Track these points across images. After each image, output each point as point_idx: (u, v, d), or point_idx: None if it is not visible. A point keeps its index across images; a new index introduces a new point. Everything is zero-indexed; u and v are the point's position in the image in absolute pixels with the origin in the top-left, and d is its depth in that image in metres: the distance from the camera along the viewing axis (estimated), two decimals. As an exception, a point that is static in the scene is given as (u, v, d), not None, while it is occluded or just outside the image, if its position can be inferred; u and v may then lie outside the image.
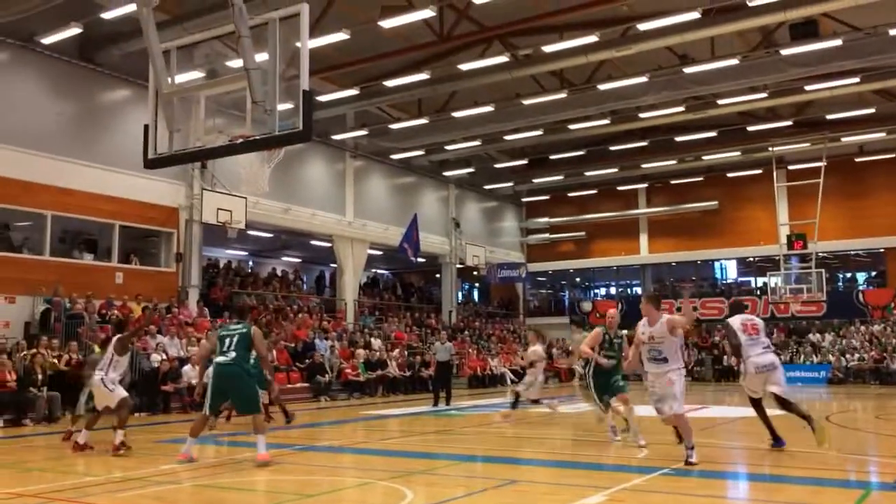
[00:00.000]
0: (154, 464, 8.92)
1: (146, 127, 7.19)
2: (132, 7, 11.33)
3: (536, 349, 14.36)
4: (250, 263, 32.94)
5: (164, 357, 16.79)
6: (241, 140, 6.57)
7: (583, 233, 37.89)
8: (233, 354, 8.67)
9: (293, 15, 6.33)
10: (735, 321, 9.58)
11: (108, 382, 9.74)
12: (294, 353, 21.55)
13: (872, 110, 26.39)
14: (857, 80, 22.29)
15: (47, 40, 18.10)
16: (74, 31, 17.53)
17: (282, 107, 6.57)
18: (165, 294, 20.74)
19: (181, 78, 7.51)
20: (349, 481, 8.13)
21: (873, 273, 34.92)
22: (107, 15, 16.97)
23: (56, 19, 17.47)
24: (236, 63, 6.84)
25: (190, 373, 16.59)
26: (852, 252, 33.78)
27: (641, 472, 7.98)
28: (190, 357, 17.57)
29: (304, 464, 8.82)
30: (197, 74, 7.93)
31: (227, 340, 8.78)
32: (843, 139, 29.27)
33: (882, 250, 32.62)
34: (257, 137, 6.48)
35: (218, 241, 25.86)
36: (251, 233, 24.86)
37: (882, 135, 28.94)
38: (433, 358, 20.16)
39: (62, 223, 19.49)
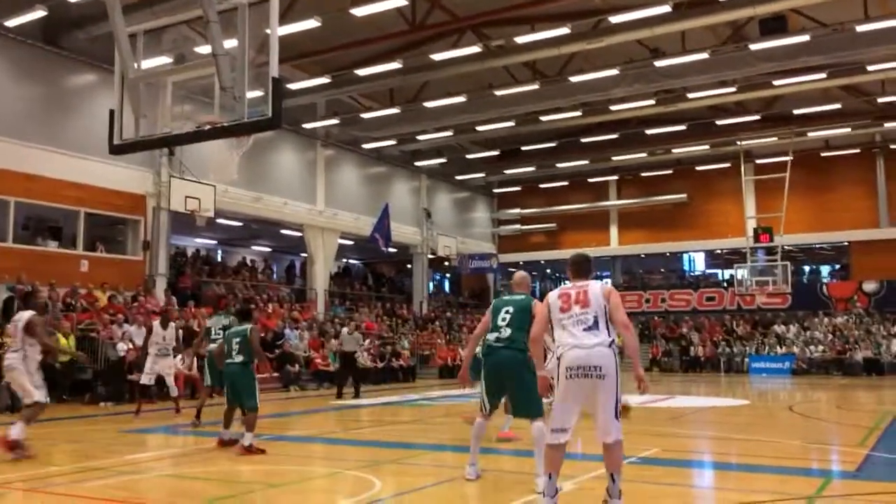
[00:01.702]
0: (119, 453, 8.81)
1: (111, 112, 7.05)
2: (98, -10, 11.11)
3: None
4: (219, 252, 32.64)
5: (130, 346, 16.57)
6: (208, 127, 6.48)
7: (554, 224, 38.08)
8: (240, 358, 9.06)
9: (263, 0, 6.25)
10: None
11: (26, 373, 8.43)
12: (263, 342, 21.37)
13: (838, 106, 26.82)
14: (823, 75, 22.62)
15: (11, 23, 17.69)
16: (39, 13, 17.12)
17: (251, 94, 6.49)
18: (132, 282, 20.46)
19: (148, 63, 7.37)
20: (318, 471, 8.11)
21: (837, 266, 35.58)
22: (72, -2, 16.64)
23: (20, 1, 17.05)
24: (205, 49, 6.72)
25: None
26: (817, 245, 34.39)
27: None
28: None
29: (273, 453, 8.77)
30: (164, 59, 7.79)
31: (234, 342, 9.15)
32: (810, 134, 29.73)
33: (846, 244, 33.24)
34: (226, 124, 6.38)
35: (186, 230, 25.57)
36: (220, 221, 24.62)
37: (847, 130, 29.45)
38: (339, 348, 19.40)
39: (26, 210, 19.11)
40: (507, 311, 6.82)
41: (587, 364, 5.15)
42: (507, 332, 6.71)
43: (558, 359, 5.26)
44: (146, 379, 13.38)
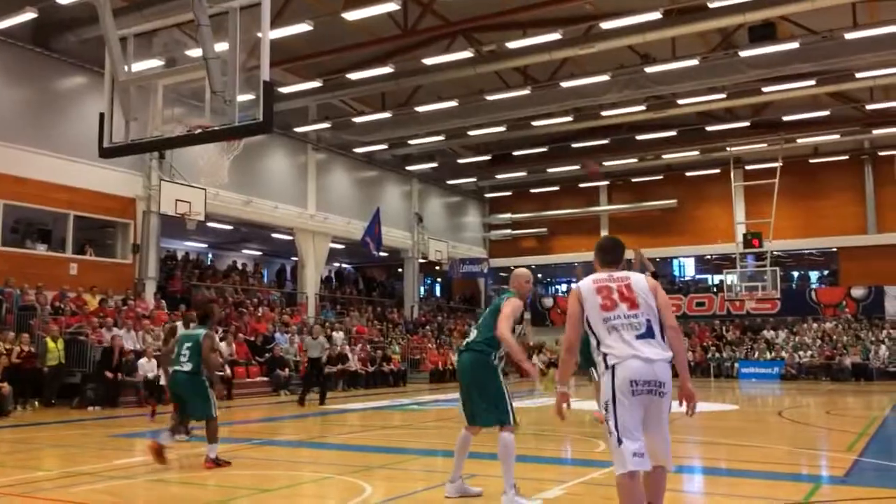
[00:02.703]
0: (108, 458, 8.76)
1: (101, 115, 7.03)
2: (89, -8, 11.09)
3: None
4: (210, 256, 32.53)
5: (108, 343, 16.51)
6: (199, 130, 6.46)
7: (545, 229, 38.14)
8: (188, 367, 8.26)
9: (254, 4, 6.24)
10: None
11: None
12: (254, 346, 21.34)
13: (827, 113, 27.02)
14: (812, 82, 22.77)
15: (1, 25, 17.59)
16: (29, 15, 17.04)
17: (242, 97, 6.48)
18: (121, 286, 20.37)
19: (139, 66, 7.35)
20: (307, 476, 8.08)
21: (825, 272, 35.77)
22: (62, 0, 16.57)
23: (10, 3, 16.97)
24: (196, 52, 6.70)
25: (146, 366, 16.34)
26: (806, 251, 34.54)
27: (599, 466, 8.06)
28: (146, 350, 17.31)
29: (263, 458, 8.74)
30: (155, 63, 7.77)
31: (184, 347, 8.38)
32: (799, 141, 29.89)
33: (834, 250, 33.41)
34: (216, 128, 6.37)
35: (176, 233, 25.48)
36: (211, 225, 24.54)
37: (836, 137, 29.64)
38: (304, 354, 18.46)
39: (15, 212, 19.01)
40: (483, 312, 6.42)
41: (653, 379, 4.27)
42: (472, 334, 6.38)
43: (607, 368, 4.35)
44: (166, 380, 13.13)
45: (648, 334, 4.35)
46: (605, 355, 4.36)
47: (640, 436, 4.23)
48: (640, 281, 4.56)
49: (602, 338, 4.39)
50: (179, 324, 11.62)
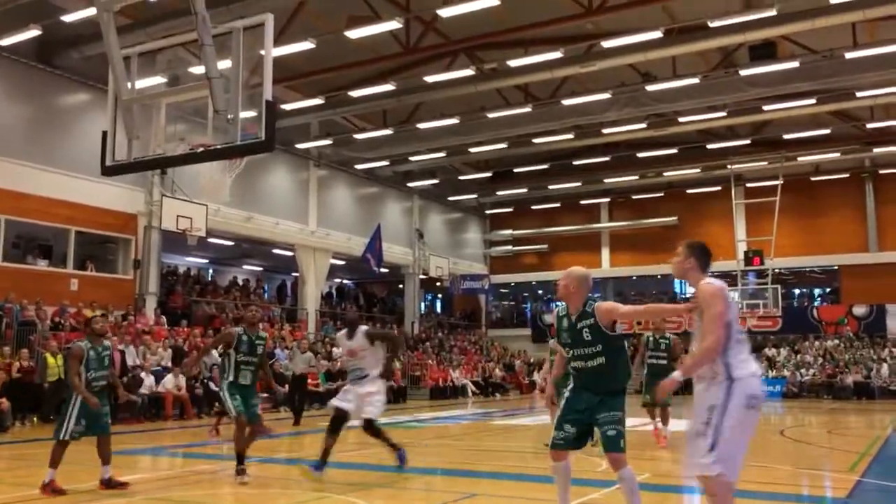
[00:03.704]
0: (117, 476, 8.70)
1: (104, 134, 7.05)
2: (93, 11, 11.16)
3: None
4: (210, 271, 32.52)
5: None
6: (201, 149, 6.49)
7: (545, 245, 38.13)
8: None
9: (257, 24, 6.27)
10: None
11: None
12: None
13: (828, 131, 27.07)
14: (813, 101, 22.83)
15: (5, 42, 17.71)
16: (33, 33, 17.16)
17: (244, 115, 6.50)
18: (122, 301, 20.36)
19: (142, 83, 7.39)
20: (307, 495, 8.02)
21: (827, 290, 35.72)
22: (67, 18, 16.69)
23: (15, 21, 17.09)
24: (199, 69, 6.74)
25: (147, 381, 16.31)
26: (807, 269, 34.51)
27: (599, 486, 8.01)
28: (145, 365, 17.31)
29: (262, 476, 8.69)
30: (158, 80, 7.81)
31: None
32: (800, 159, 29.94)
33: (836, 267, 33.38)
34: (219, 146, 6.40)
35: (177, 249, 25.49)
36: (212, 241, 24.55)
37: (837, 155, 29.69)
38: (289, 370, 18.13)
39: (16, 228, 19.04)
40: None
41: (760, 395, 4.38)
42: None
43: (730, 379, 4.31)
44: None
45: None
46: (728, 364, 4.32)
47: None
48: None
49: (735, 349, 4.37)
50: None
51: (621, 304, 5.41)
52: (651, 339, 12.44)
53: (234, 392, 8.28)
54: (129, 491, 7.83)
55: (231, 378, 8.37)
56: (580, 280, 5.52)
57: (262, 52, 6.46)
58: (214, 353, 19.66)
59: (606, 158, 30.92)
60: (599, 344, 5.33)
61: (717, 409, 4.27)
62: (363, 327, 8.84)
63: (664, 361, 12.14)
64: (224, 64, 6.62)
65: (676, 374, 4.52)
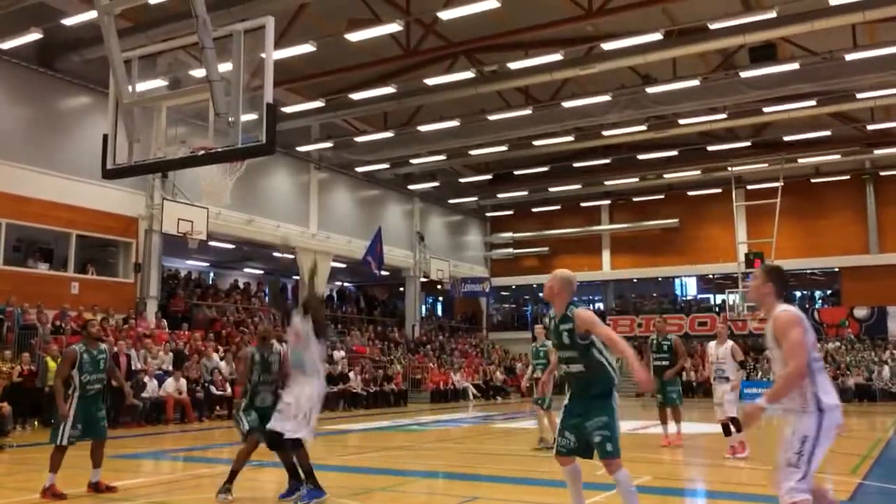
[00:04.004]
0: (108, 480, 8.69)
1: (105, 137, 7.04)
2: (93, 14, 11.17)
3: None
4: (211, 274, 32.51)
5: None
6: (202, 152, 6.48)
7: (546, 248, 38.12)
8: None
9: (258, 27, 6.27)
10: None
11: None
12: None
13: (828, 133, 27.07)
14: (813, 103, 22.84)
15: (6, 45, 17.74)
16: (34, 36, 17.20)
17: (245, 118, 6.50)
18: (123, 305, 20.35)
19: (142, 87, 7.38)
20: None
21: (828, 292, 35.70)
22: (68, 21, 16.70)
23: (15, 24, 17.12)
24: (199, 72, 6.74)
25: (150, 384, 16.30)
26: (808, 271, 34.49)
27: (601, 489, 7.99)
28: (147, 369, 17.29)
29: (261, 480, 8.67)
30: (159, 83, 7.80)
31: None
32: (800, 160, 29.93)
33: (837, 270, 33.37)
34: (220, 150, 6.39)
35: (178, 252, 25.49)
36: (213, 244, 24.55)
37: (837, 157, 29.69)
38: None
39: (17, 231, 19.04)
40: None
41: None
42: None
43: (819, 410, 4.40)
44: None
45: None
46: (817, 395, 4.40)
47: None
48: None
49: (819, 380, 4.43)
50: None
51: (600, 322, 5.29)
52: (654, 341, 12.63)
53: (249, 412, 7.54)
54: (130, 495, 7.82)
55: (247, 402, 7.58)
56: (564, 282, 5.50)
57: (263, 55, 6.45)
58: (215, 356, 19.71)
59: (607, 160, 30.93)
60: (576, 349, 5.31)
61: (810, 441, 4.40)
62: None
63: (666, 362, 12.33)
64: (225, 67, 6.62)
65: (761, 401, 4.48)
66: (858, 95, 22.26)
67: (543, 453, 10.55)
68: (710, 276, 36.28)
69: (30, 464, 10.65)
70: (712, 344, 11.52)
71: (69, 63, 19.23)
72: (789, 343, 4.40)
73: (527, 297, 41.28)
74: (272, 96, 6.22)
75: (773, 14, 16.73)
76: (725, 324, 12.72)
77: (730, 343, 11.24)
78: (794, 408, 4.44)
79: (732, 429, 10.65)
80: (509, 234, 39.19)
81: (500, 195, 36.22)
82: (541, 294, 39.64)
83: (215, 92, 6.25)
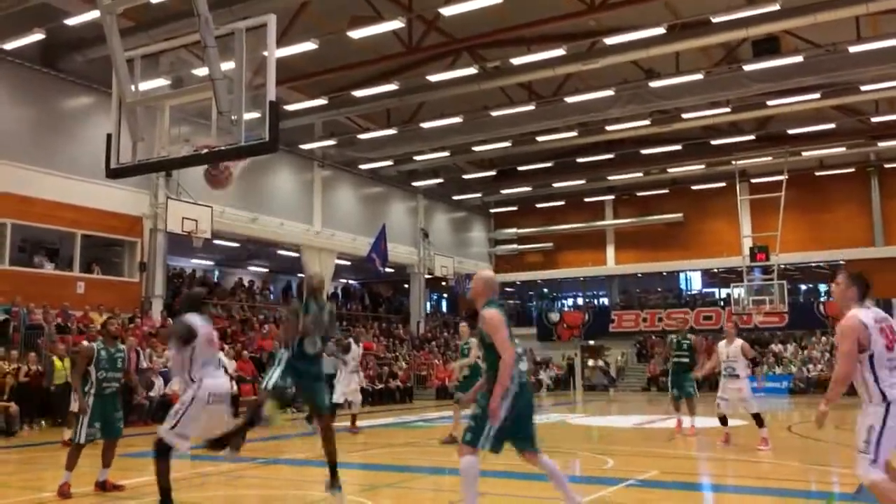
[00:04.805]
0: (114, 478, 8.72)
1: (108, 136, 7.05)
2: (96, 13, 11.18)
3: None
4: (216, 273, 32.57)
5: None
6: (205, 150, 6.48)
7: (550, 244, 38.13)
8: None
9: (260, 25, 6.27)
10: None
11: None
12: (259, 364, 21.30)
13: (832, 125, 26.99)
14: (817, 95, 22.76)
15: (9, 46, 17.79)
16: (37, 36, 17.24)
17: (248, 116, 6.49)
18: (128, 304, 20.40)
19: (145, 86, 7.38)
20: (314, 495, 8.03)
21: (833, 285, 35.55)
22: (70, 21, 16.73)
23: (18, 25, 17.17)
24: (202, 71, 6.74)
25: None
26: (813, 264, 34.41)
27: (608, 484, 8.01)
28: (152, 367, 17.34)
29: (268, 477, 8.70)
30: (162, 82, 7.80)
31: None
32: (804, 153, 29.87)
33: (842, 262, 33.26)
34: (223, 148, 6.39)
35: (183, 251, 25.54)
36: (217, 242, 24.59)
37: (841, 149, 29.59)
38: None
39: (22, 231, 19.08)
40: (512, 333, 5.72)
41: None
42: (525, 365, 5.73)
43: (884, 401, 4.88)
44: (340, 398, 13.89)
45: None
46: (882, 390, 4.92)
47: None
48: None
49: (882, 376, 4.95)
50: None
51: (502, 330, 5.37)
52: (674, 340, 13.53)
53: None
54: (136, 493, 7.85)
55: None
56: (484, 283, 5.69)
57: (265, 53, 6.45)
58: (220, 354, 19.72)
59: (610, 156, 30.89)
60: (484, 347, 5.49)
61: (876, 430, 4.90)
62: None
63: (686, 360, 13.30)
64: (227, 65, 6.62)
65: (822, 407, 5.22)
66: (862, 88, 22.17)
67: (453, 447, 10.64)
68: (715, 271, 36.21)
69: (36, 463, 10.71)
70: (722, 343, 11.98)
71: (72, 63, 19.27)
72: (839, 351, 5.17)
73: (531, 292, 41.29)
74: (275, 94, 6.22)
75: (776, 7, 16.67)
76: (731, 321, 13.38)
77: (739, 341, 11.73)
78: (865, 400, 5.01)
79: (760, 424, 11.25)
80: (513, 230, 39.20)
81: (503, 191, 36.19)
82: (545, 290, 39.85)
83: (218, 90, 6.23)
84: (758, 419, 11.23)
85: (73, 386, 7.69)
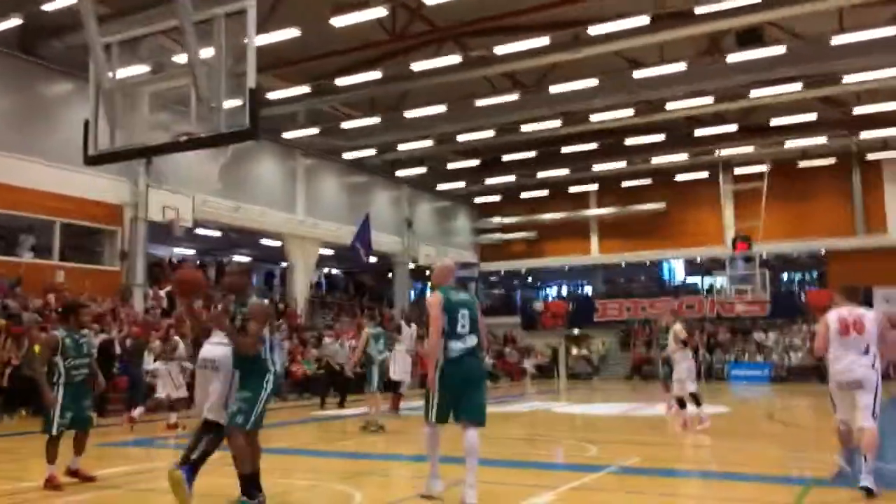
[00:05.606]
0: (96, 468, 8.67)
1: (86, 123, 6.95)
2: (75, -1, 11.03)
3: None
4: (198, 262, 32.31)
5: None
6: (185, 138, 6.41)
7: (534, 233, 38.20)
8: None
9: (240, 11, 6.19)
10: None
11: None
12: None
13: (814, 116, 27.13)
14: (799, 86, 22.88)
15: (-14, 31, 17.53)
16: (15, 21, 17.00)
17: (229, 103, 6.43)
18: (109, 293, 20.24)
19: (124, 72, 7.29)
20: (297, 484, 8.02)
21: (815, 273, 35.93)
22: (48, 7, 16.48)
23: (-5, 10, 16.92)
24: (182, 58, 6.66)
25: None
26: (795, 253, 34.71)
27: (590, 471, 8.05)
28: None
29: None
30: (141, 69, 7.71)
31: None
32: (786, 144, 30.04)
33: (823, 252, 33.59)
34: (203, 135, 6.32)
35: (164, 240, 25.35)
36: (199, 231, 24.42)
37: (823, 140, 29.79)
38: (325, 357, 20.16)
39: (1, 219, 18.87)
40: (464, 315, 6.21)
41: (853, 380, 7.06)
42: (472, 341, 6.21)
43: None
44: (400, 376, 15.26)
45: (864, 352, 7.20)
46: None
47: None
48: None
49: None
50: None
51: (433, 311, 6.17)
52: (663, 325, 14.35)
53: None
54: (118, 482, 7.80)
55: None
56: (440, 271, 6.57)
57: (246, 40, 6.37)
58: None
59: (594, 146, 30.90)
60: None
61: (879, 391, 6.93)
62: None
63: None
64: (207, 52, 6.54)
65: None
66: (844, 79, 22.31)
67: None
68: (698, 260, 36.45)
69: (17, 453, 10.62)
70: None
71: (51, 49, 19.01)
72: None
73: (516, 281, 41.38)
74: (255, 81, 6.15)
75: (759, -3, 16.72)
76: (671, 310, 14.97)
77: (677, 326, 12.52)
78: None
79: (687, 404, 12.11)
80: (498, 220, 39.22)
81: (487, 181, 36.14)
82: (529, 279, 39.94)
83: (198, 77, 6.17)
84: (695, 399, 11.94)
85: (37, 380, 7.52)
